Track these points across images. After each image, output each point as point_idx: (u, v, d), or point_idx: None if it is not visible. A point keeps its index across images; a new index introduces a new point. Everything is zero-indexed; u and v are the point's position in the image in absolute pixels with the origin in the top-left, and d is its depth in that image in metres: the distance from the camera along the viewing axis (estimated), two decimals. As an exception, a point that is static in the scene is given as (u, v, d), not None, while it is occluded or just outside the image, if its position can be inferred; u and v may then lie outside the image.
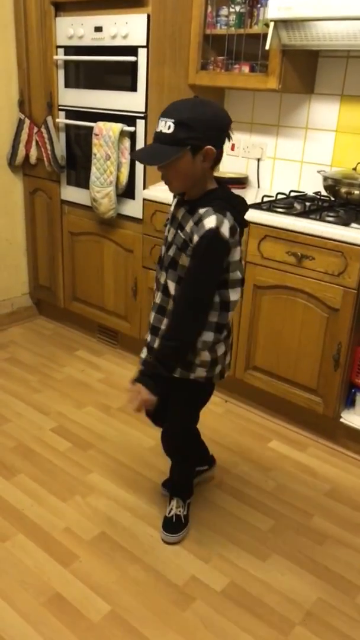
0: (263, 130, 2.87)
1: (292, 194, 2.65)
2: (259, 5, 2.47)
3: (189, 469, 2.00)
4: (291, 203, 2.45)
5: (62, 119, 2.93)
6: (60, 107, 2.94)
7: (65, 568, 1.76)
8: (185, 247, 1.52)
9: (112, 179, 2.72)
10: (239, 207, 1.55)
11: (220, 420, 2.58)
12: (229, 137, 1.50)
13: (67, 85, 2.88)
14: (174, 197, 1.64)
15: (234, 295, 1.58)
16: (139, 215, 2.76)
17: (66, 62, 2.85)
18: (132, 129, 2.63)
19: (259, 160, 2.91)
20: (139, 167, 2.69)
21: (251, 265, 2.41)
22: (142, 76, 2.55)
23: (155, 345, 1.67)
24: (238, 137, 2.95)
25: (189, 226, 1.52)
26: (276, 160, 2.86)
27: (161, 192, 2.65)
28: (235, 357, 2.57)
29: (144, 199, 2.71)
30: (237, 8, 2.51)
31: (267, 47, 2.36)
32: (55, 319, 3.50)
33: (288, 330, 2.37)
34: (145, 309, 2.87)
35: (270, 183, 2.91)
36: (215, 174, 1.57)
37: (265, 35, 2.37)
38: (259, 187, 2.93)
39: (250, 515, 2.02)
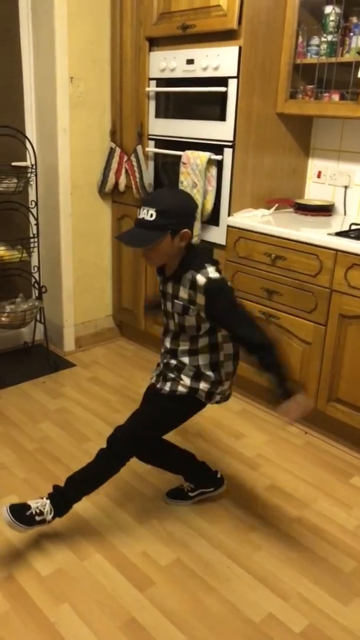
0: (351, 158, 2.82)
1: (382, 222, 2.58)
2: (351, 34, 2.46)
3: (85, 490, 1.89)
4: (380, 232, 2.39)
5: (151, 148, 3.03)
6: (150, 137, 3.04)
7: (141, 592, 1.76)
8: (186, 310, 1.76)
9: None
10: (208, 254, 1.89)
11: (299, 452, 2.51)
12: (195, 219, 1.79)
13: (157, 116, 2.98)
14: (158, 275, 1.87)
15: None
16: (222, 241, 2.78)
17: (157, 94, 2.95)
18: (219, 157, 2.67)
19: (346, 187, 2.86)
20: (225, 194, 2.72)
21: (337, 294, 2.35)
22: (231, 106, 2.59)
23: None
24: (325, 165, 2.92)
25: (183, 293, 1.75)
26: (365, 188, 2.80)
27: (246, 220, 2.66)
28: (317, 388, 2.51)
29: (228, 226, 2.73)
30: (329, 37, 2.51)
31: (359, 75, 2.34)
32: (136, 340, 3.57)
33: (375, 362, 2.29)
34: (225, 334, 2.87)
35: (357, 211, 2.85)
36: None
37: (357, 64, 2.35)
38: (345, 214, 2.88)
39: (332, 555, 1.94)
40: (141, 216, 1.68)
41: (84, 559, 1.87)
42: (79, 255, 3.33)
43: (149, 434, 1.92)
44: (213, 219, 2.79)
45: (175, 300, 1.77)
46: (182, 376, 1.84)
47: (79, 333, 3.46)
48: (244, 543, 1.98)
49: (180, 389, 1.83)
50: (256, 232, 2.60)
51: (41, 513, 1.81)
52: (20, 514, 1.78)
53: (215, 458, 2.44)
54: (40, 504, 1.83)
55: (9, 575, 1.79)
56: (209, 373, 1.83)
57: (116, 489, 2.21)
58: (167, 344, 1.88)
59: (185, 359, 1.83)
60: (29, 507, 1.81)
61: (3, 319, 2.99)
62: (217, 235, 2.81)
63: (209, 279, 1.68)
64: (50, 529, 1.98)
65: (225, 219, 2.75)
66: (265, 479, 2.33)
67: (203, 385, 1.83)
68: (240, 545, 1.97)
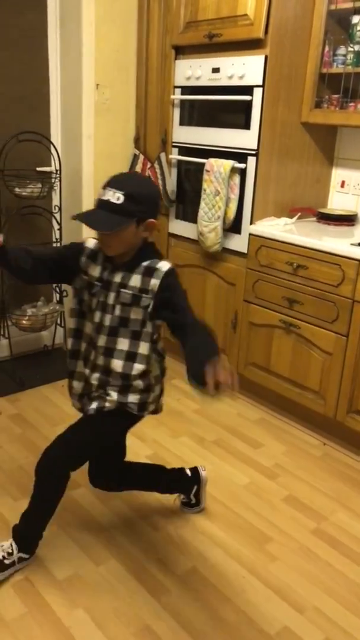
0: (376, 168, 2.81)
1: None
2: (378, 44, 2.45)
3: (44, 512, 1.79)
4: None
5: (174, 155, 3.04)
6: (173, 144, 3.05)
7: (157, 600, 1.75)
8: (136, 299, 1.63)
9: (219, 214, 2.76)
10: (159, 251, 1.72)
11: (317, 463, 2.49)
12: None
13: (181, 123, 2.99)
14: (92, 261, 1.68)
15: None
16: (244, 249, 2.78)
17: (182, 101, 2.96)
18: (242, 165, 2.67)
19: (370, 197, 2.84)
20: (247, 202, 2.72)
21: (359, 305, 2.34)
22: (256, 114, 2.60)
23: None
24: (349, 174, 2.91)
25: (134, 281, 1.63)
26: (389, 198, 2.78)
27: (268, 228, 2.66)
28: (337, 399, 2.49)
29: (250, 234, 2.72)
30: (356, 47, 2.50)
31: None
32: (154, 347, 3.57)
33: None
34: (244, 342, 2.87)
35: (381, 221, 2.83)
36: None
37: (384, 74, 2.34)
38: (368, 225, 2.86)
39: (349, 568, 1.92)
40: (106, 197, 1.53)
41: (100, 564, 1.88)
42: (100, 260, 3.35)
43: (80, 458, 1.76)
44: (235, 227, 2.79)
45: (123, 290, 1.63)
46: (108, 391, 1.70)
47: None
48: (259, 553, 1.97)
49: (108, 405, 1.70)
50: (278, 241, 2.60)
51: (10, 554, 1.77)
52: None
53: (232, 466, 2.43)
54: (5, 546, 1.79)
55: (25, 577, 1.80)
56: (138, 382, 1.69)
57: (132, 494, 2.21)
58: (91, 353, 1.72)
59: (118, 363, 1.67)
60: None
61: (24, 322, 3.02)
62: (238, 243, 2.81)
63: (172, 268, 1.64)
64: (65, 533, 1.99)
65: (247, 227, 2.74)
66: (282, 489, 2.31)
67: (132, 398, 1.71)
68: (256, 555, 1.96)
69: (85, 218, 1.55)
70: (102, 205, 1.54)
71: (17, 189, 2.86)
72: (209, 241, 2.85)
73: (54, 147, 3.05)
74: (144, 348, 1.68)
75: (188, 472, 2.09)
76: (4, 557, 1.76)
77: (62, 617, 1.67)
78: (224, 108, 2.76)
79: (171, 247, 3.21)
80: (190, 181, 3.02)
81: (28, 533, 1.82)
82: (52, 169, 3.12)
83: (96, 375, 1.71)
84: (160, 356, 1.79)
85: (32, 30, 2.96)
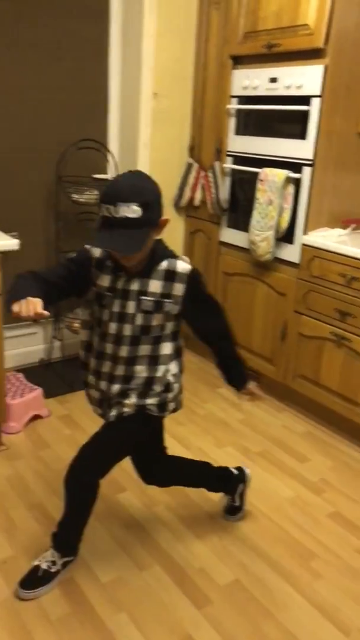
0: None
1: None
2: None
3: (79, 520, 1.79)
4: None
5: (229, 164, 3.05)
6: (228, 153, 3.06)
7: (198, 610, 1.75)
8: (157, 308, 1.58)
9: (272, 224, 2.75)
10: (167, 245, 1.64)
11: (365, 480, 2.44)
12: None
13: (236, 133, 3.00)
14: (99, 271, 1.60)
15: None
16: (296, 259, 2.76)
17: (238, 111, 2.97)
18: (297, 175, 2.65)
19: None
20: (301, 213, 2.70)
21: None
22: (313, 124, 2.57)
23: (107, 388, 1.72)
24: None
25: (154, 287, 1.57)
26: None
27: (321, 239, 2.63)
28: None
29: (303, 244, 2.70)
30: None
31: None
32: (201, 354, 3.58)
33: None
34: (292, 354, 2.84)
35: None
36: None
37: None
38: None
39: None
40: (121, 214, 1.41)
41: (143, 569, 1.89)
42: (151, 267, 3.39)
43: (106, 466, 1.73)
44: (287, 236, 2.77)
45: (143, 297, 1.57)
46: (127, 395, 1.68)
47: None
48: (304, 570, 1.94)
49: (127, 410, 1.68)
50: (332, 252, 2.56)
51: (54, 563, 1.78)
52: (34, 580, 1.75)
53: (277, 479, 2.40)
54: (47, 556, 1.80)
55: (71, 577, 1.83)
56: (157, 385, 1.68)
57: (177, 501, 2.22)
58: (106, 365, 1.67)
59: (141, 369, 1.65)
60: (37, 567, 1.78)
61: (76, 325, 3.08)
62: (290, 253, 2.78)
63: (193, 267, 1.58)
64: (110, 536, 2.01)
65: (300, 238, 2.72)
66: (328, 505, 2.27)
67: (151, 401, 1.69)
68: (300, 571, 1.93)
69: (109, 244, 1.45)
70: (120, 223, 1.42)
71: (74, 195, 2.93)
72: (260, 250, 2.84)
73: (111, 154, 3.11)
74: (166, 348, 1.67)
75: (234, 470, 2.10)
76: (49, 567, 1.78)
77: (105, 620, 1.69)
78: (280, 118, 2.75)
79: (221, 255, 3.22)
80: (244, 190, 3.02)
81: (68, 540, 1.83)
82: (109, 176, 3.18)
83: (116, 386, 1.68)
84: (178, 354, 1.74)
85: (94, 40, 3.03)
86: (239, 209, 3.06)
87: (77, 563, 1.88)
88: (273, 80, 2.72)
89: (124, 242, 1.44)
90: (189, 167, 3.25)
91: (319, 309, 2.67)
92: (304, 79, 2.57)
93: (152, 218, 1.47)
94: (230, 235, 3.15)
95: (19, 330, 3.17)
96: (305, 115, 2.60)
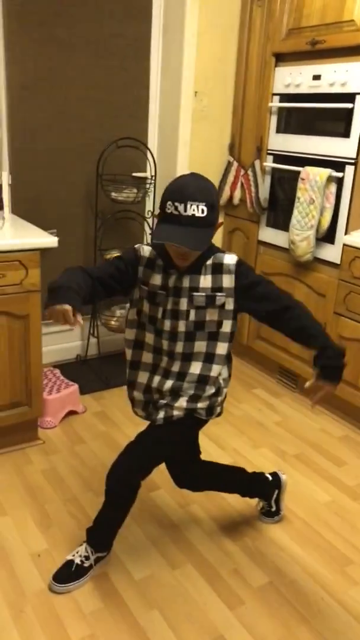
0: None
1: None
2: None
3: (116, 518, 1.81)
4: None
5: (269, 163, 3.02)
6: (268, 152, 3.03)
7: (231, 611, 1.73)
8: (211, 300, 1.60)
9: (313, 223, 2.71)
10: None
11: None
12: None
13: (277, 131, 2.96)
14: (151, 270, 1.63)
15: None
16: (337, 260, 2.71)
17: (279, 109, 2.93)
18: (340, 174, 2.60)
19: None
20: (343, 212, 2.65)
21: None
22: (356, 123, 2.52)
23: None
24: None
25: (205, 282, 1.59)
26: None
27: (364, 239, 2.57)
28: None
29: (345, 245, 2.65)
30: None
31: None
32: (237, 354, 3.55)
33: None
34: (332, 356, 2.78)
35: None
36: None
37: None
38: None
39: None
40: (190, 212, 1.45)
41: (176, 567, 1.88)
42: (189, 266, 3.38)
43: (149, 468, 1.74)
44: (328, 236, 2.72)
45: (195, 294, 1.59)
46: (178, 398, 1.68)
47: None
48: (339, 576, 1.90)
49: (176, 413, 1.68)
50: (374, 253, 2.50)
51: (87, 558, 1.80)
52: (67, 574, 1.77)
53: (314, 483, 2.36)
54: (81, 551, 1.81)
55: (104, 573, 1.84)
56: (210, 387, 1.68)
57: (211, 501, 2.20)
58: (163, 361, 1.69)
59: (196, 365, 1.66)
60: (71, 562, 1.80)
61: (112, 322, 3.10)
62: (331, 253, 2.73)
63: (239, 258, 1.60)
64: (144, 534, 2.01)
65: (341, 238, 2.67)
66: (366, 511, 2.22)
67: (201, 404, 1.69)
68: (335, 577, 1.89)
69: (177, 239, 1.46)
70: (187, 221, 1.46)
71: (113, 194, 2.95)
72: (300, 250, 2.80)
73: (151, 153, 3.12)
74: (222, 348, 1.66)
75: (268, 475, 2.07)
76: (82, 562, 1.79)
77: (137, 617, 1.69)
78: (323, 116, 2.70)
79: (260, 254, 3.18)
80: (284, 189, 2.98)
81: (102, 536, 1.84)
82: (148, 174, 3.19)
83: (170, 382, 1.68)
84: (230, 358, 1.75)
85: (136, 39, 3.05)
86: (279, 208, 3.03)
87: (110, 559, 1.89)
88: (316, 77, 2.68)
89: (188, 238, 1.46)
90: (229, 165, 3.23)
91: (359, 311, 2.61)
92: (348, 75, 2.52)
93: (213, 219, 1.51)
94: (269, 235, 3.11)
95: (56, 327, 3.21)
96: (349, 113, 2.55)
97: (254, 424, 2.80)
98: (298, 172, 2.77)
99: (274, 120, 2.97)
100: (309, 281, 2.88)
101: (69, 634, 1.63)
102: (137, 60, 3.09)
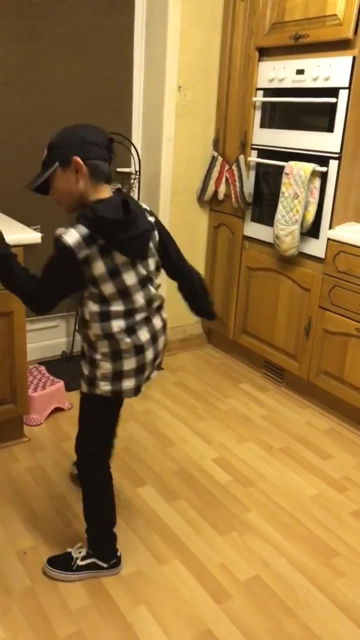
0: None
1: None
2: None
3: (99, 515, 1.78)
4: None
5: (253, 158, 3.01)
6: (253, 146, 3.03)
7: (218, 605, 1.74)
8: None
9: (297, 218, 2.71)
10: (108, 226, 1.49)
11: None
12: (111, 152, 1.55)
13: (262, 126, 2.96)
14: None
15: (115, 306, 1.55)
16: (321, 254, 2.72)
17: (263, 104, 2.93)
18: (324, 169, 2.61)
19: None
20: (327, 207, 2.66)
21: None
22: (340, 117, 2.53)
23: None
24: None
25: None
26: None
27: (348, 233, 2.58)
28: None
29: (329, 239, 2.66)
30: None
31: None
32: (223, 349, 3.56)
33: None
34: (317, 350, 2.80)
35: None
36: None
37: None
38: None
39: None
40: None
41: (163, 563, 1.88)
42: (174, 261, 3.37)
43: (87, 443, 1.75)
44: (312, 231, 2.73)
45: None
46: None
47: (168, 338, 3.49)
48: (325, 568, 1.91)
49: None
50: (358, 247, 2.51)
51: (84, 558, 1.80)
52: (61, 562, 1.79)
53: (300, 476, 2.38)
54: (81, 547, 1.83)
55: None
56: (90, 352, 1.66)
57: (198, 497, 2.21)
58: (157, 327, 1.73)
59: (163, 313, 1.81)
60: (69, 554, 1.81)
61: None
62: (315, 248, 2.74)
63: (58, 235, 1.51)
64: (131, 530, 2.01)
65: (325, 232, 2.68)
66: (351, 503, 2.23)
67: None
68: (321, 569, 1.90)
69: (28, 184, 1.58)
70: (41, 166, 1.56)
71: (97, 189, 2.93)
72: (285, 245, 2.81)
73: (135, 148, 3.10)
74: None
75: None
76: (78, 558, 1.79)
77: (124, 613, 1.69)
78: (307, 110, 2.70)
79: (245, 249, 3.19)
80: (268, 184, 2.98)
81: (93, 536, 1.80)
82: (132, 170, 3.17)
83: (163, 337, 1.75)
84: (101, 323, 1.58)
85: (119, 33, 3.03)
86: (264, 203, 3.03)
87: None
88: (300, 72, 2.68)
89: (32, 180, 1.58)
90: (213, 160, 3.22)
91: (344, 305, 2.62)
92: (331, 70, 2.53)
93: (53, 156, 1.52)
94: (254, 230, 3.11)
95: (41, 324, 3.19)
96: (332, 107, 2.56)
97: (241, 419, 2.80)
98: (282, 167, 2.77)
99: (258, 115, 2.97)
100: (294, 276, 2.89)
101: (55, 631, 1.62)
102: (120, 55, 3.07)
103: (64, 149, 1.50)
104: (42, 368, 2.87)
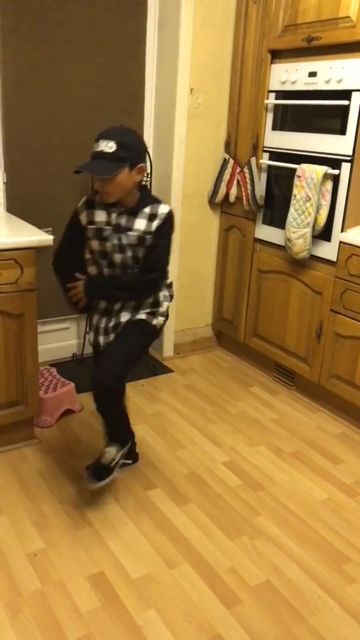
0: None
1: None
2: None
3: (124, 414, 2.14)
4: None
5: (265, 160, 3.01)
6: (264, 149, 3.02)
7: (228, 610, 1.73)
8: (141, 240, 1.90)
9: (309, 220, 2.70)
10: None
11: None
12: (149, 157, 1.89)
13: (273, 128, 2.95)
14: (93, 209, 1.93)
15: None
16: (333, 257, 2.70)
17: (275, 106, 2.92)
18: (336, 171, 2.60)
19: None
20: (339, 210, 2.64)
21: None
22: (353, 120, 2.51)
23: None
24: None
25: (140, 224, 1.89)
26: None
27: (359, 236, 2.57)
28: None
29: (341, 242, 2.64)
30: None
31: None
32: (234, 352, 3.55)
33: None
34: (328, 354, 2.78)
35: None
36: None
37: None
38: None
39: None
40: (100, 149, 1.75)
41: (173, 567, 1.88)
42: (184, 264, 3.37)
43: (128, 367, 2.00)
44: (324, 234, 2.72)
45: (130, 232, 1.89)
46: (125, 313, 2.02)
47: (178, 340, 3.50)
48: (336, 574, 1.90)
49: (123, 320, 2.02)
50: (370, 250, 2.50)
51: (112, 460, 2.08)
52: (103, 470, 2.05)
53: (310, 481, 2.36)
54: (105, 454, 2.09)
55: (100, 571, 1.83)
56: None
57: (208, 500, 2.20)
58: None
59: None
60: (102, 465, 2.07)
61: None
62: (327, 250, 2.73)
63: (170, 209, 1.91)
64: (141, 533, 2.01)
65: (337, 235, 2.66)
66: (362, 509, 2.22)
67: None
68: (332, 575, 1.89)
69: (85, 168, 1.75)
70: (98, 156, 1.75)
71: (108, 191, 2.93)
72: (296, 247, 2.79)
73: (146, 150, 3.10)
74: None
75: (137, 454, 2.38)
76: (109, 462, 2.06)
77: (134, 616, 1.69)
78: (319, 113, 2.69)
79: (256, 252, 3.18)
80: (280, 186, 2.97)
81: (123, 425, 2.16)
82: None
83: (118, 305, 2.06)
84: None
85: (131, 36, 3.03)
86: (275, 206, 3.02)
87: (107, 559, 1.89)
88: (312, 74, 2.67)
89: (93, 167, 1.76)
90: (225, 162, 3.22)
91: (356, 308, 2.61)
92: (344, 72, 2.51)
93: (125, 157, 1.76)
94: (265, 232, 3.11)
95: (52, 325, 3.20)
96: (345, 110, 2.54)
97: (251, 422, 2.79)
98: (294, 170, 2.76)
99: (270, 117, 2.96)
100: (305, 279, 2.87)
101: (65, 633, 1.62)
102: (132, 57, 3.07)
103: (135, 154, 1.79)
104: (53, 370, 2.88)
